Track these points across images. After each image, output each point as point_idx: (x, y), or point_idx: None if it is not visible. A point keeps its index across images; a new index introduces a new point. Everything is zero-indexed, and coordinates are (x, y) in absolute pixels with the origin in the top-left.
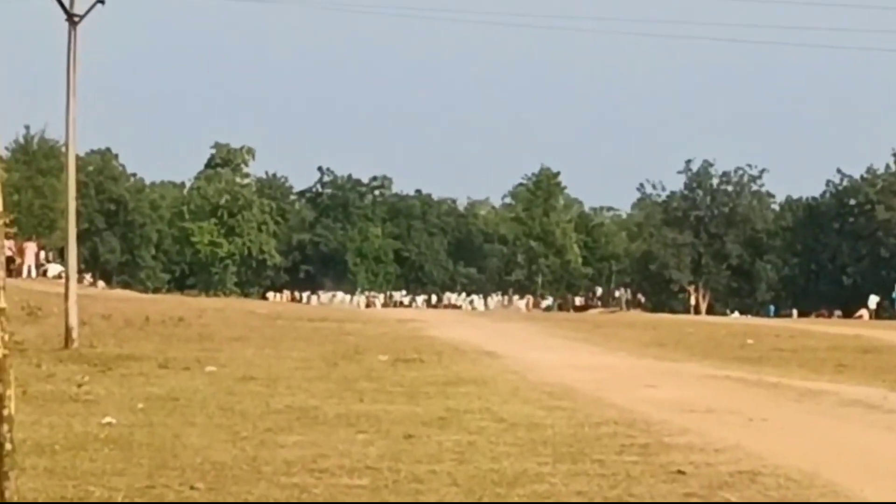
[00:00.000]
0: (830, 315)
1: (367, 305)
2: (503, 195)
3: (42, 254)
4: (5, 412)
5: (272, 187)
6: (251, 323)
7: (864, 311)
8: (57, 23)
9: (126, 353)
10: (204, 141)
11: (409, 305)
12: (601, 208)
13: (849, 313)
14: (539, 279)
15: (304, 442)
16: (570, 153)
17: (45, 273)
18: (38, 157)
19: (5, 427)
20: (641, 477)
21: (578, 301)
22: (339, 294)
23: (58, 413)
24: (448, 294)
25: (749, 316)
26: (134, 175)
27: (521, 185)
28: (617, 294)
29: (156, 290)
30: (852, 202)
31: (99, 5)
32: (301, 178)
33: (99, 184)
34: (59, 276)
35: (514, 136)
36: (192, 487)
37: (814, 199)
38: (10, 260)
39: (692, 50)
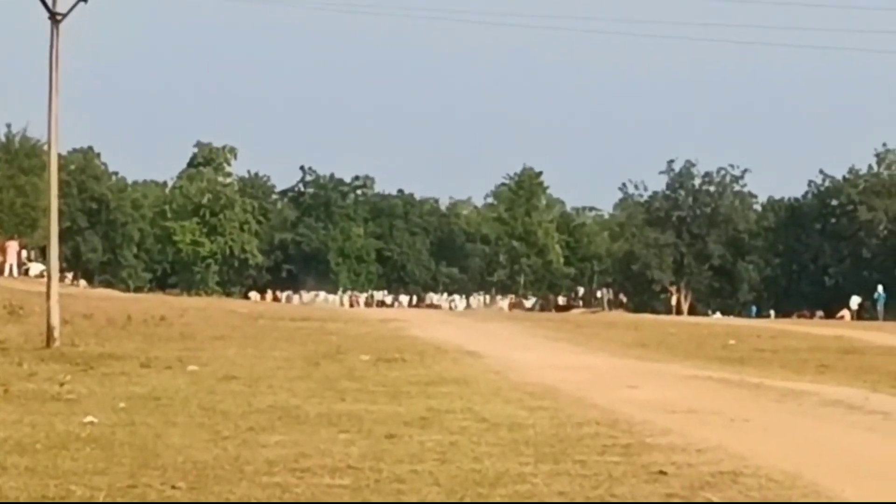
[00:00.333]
0: (812, 315)
1: (351, 305)
2: (485, 195)
3: (24, 252)
4: None
5: (254, 186)
6: (233, 322)
7: (845, 312)
8: (39, 21)
9: (108, 353)
10: (186, 140)
11: (392, 305)
12: (583, 208)
13: (831, 314)
14: (521, 279)
15: (285, 441)
16: (552, 153)
17: (27, 272)
18: (20, 156)
19: None
20: (623, 477)
21: (560, 301)
22: (322, 294)
23: (39, 412)
24: (431, 294)
25: (732, 317)
26: (116, 174)
27: (503, 184)
28: (599, 294)
29: (138, 290)
30: (834, 203)
31: (81, 4)
32: (283, 178)
33: (81, 182)
34: (41, 275)
35: (496, 136)
36: (173, 487)
37: (796, 199)
38: None
39: (675, 51)
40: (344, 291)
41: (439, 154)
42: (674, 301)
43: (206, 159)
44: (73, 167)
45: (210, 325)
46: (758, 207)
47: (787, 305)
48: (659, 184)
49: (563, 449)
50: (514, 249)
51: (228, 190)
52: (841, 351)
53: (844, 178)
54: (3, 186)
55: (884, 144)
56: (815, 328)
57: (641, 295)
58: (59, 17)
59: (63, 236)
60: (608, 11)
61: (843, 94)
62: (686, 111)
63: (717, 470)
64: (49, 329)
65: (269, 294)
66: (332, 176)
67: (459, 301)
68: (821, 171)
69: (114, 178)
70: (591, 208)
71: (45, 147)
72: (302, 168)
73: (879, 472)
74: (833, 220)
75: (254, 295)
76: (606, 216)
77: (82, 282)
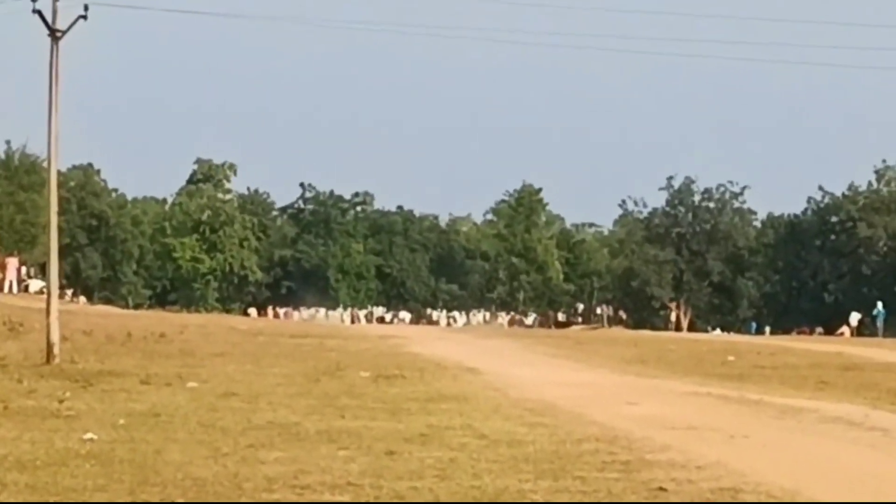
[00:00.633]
0: (812, 332)
1: (353, 321)
2: (485, 211)
3: (24, 269)
4: None
5: (254, 203)
6: (233, 339)
7: (845, 329)
8: (39, 38)
9: (107, 369)
10: (186, 157)
11: (392, 322)
12: (583, 225)
13: (830, 330)
14: (521, 296)
15: (285, 458)
16: (551, 170)
17: (26, 288)
18: (19, 173)
19: None
20: (623, 494)
21: (560, 317)
22: (322, 310)
23: (39, 429)
24: (430, 311)
25: (731, 333)
26: (116, 190)
27: (502, 201)
28: (598, 311)
29: (137, 306)
30: (834, 219)
31: (81, 21)
32: (283, 194)
33: (81, 199)
34: (40, 292)
35: (495, 153)
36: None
37: (795, 216)
38: None
39: (674, 67)
40: (345, 308)
41: (439, 170)
42: (673, 317)
43: (206, 176)
44: (72, 184)
45: (210, 341)
46: (757, 224)
47: (786, 322)
48: (658, 200)
49: (563, 465)
50: (514, 266)
51: (228, 206)
52: (841, 367)
53: (844, 194)
54: (2, 203)
55: (883, 161)
56: (814, 344)
57: (641, 311)
58: (58, 34)
59: (63, 253)
60: (607, 28)
61: (843, 111)
62: (686, 128)
63: (717, 486)
64: (49, 346)
65: (269, 311)
66: (331, 192)
67: (459, 318)
68: (820, 188)
69: (113, 194)
70: (591, 225)
71: (45, 163)
72: (301, 185)
73: (879, 488)
74: (832, 237)
75: (253, 312)
76: (606, 232)
77: (82, 298)
